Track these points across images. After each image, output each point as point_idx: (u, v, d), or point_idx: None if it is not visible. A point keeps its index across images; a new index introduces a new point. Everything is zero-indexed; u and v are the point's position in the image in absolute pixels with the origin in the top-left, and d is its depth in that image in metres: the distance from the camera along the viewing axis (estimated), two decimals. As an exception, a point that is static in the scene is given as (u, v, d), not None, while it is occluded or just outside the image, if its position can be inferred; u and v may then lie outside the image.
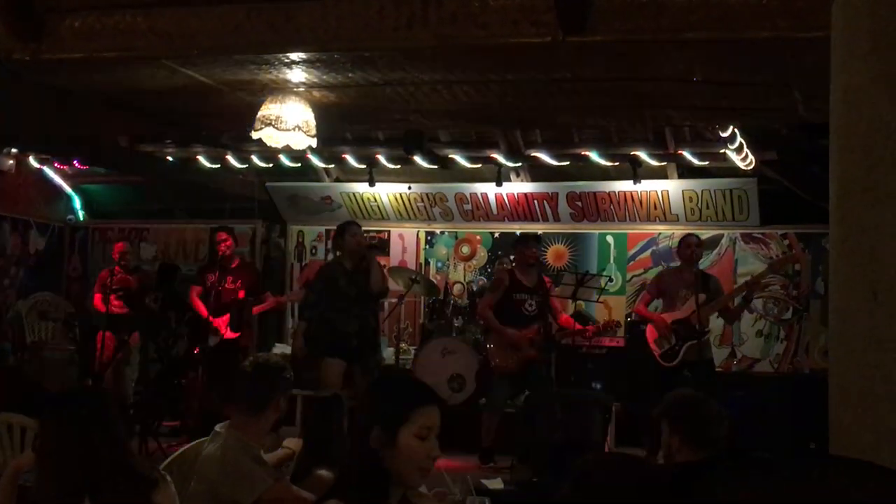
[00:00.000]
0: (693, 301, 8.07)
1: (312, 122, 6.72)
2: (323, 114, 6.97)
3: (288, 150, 7.43)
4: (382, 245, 11.09)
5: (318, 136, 6.99)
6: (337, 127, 8.34)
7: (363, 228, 8.81)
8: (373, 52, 5.86)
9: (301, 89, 6.63)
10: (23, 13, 6.04)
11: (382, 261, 9.95)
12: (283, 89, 6.64)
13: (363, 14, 5.60)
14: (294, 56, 5.98)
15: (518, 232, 10.59)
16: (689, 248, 8.36)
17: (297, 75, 6.37)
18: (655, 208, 10.51)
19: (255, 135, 6.75)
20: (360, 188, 11.21)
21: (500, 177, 10.55)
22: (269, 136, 6.62)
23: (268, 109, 6.61)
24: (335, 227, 8.44)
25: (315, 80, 6.45)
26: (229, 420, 4.14)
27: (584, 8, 5.27)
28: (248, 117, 7.25)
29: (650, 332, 8.40)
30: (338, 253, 8.55)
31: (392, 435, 2.60)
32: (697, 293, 8.06)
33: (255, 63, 6.20)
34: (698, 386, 7.95)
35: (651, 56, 5.69)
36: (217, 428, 4.11)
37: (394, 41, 5.62)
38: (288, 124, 6.56)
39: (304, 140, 6.71)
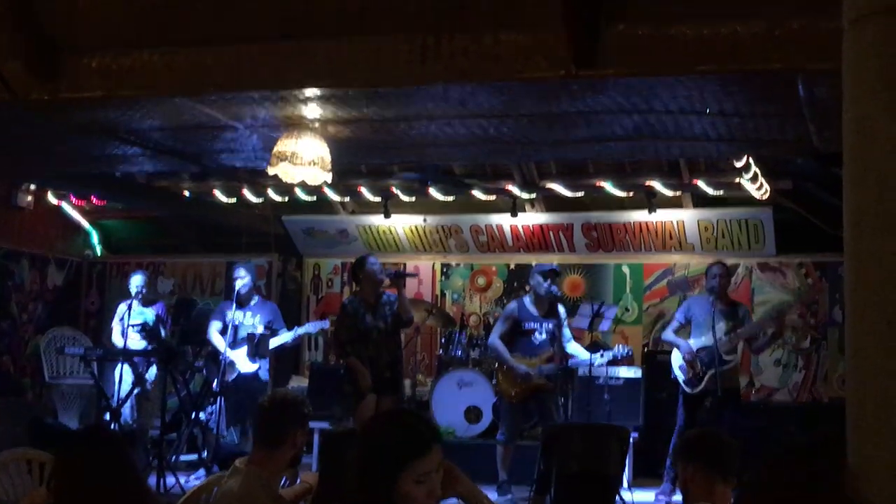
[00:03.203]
0: (719, 329, 8.09)
1: (328, 158, 6.77)
2: (338, 148, 7.02)
3: (304, 186, 7.48)
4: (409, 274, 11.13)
5: (334, 169, 7.03)
6: (352, 160, 8.39)
7: (380, 261, 8.84)
8: (387, 88, 5.90)
9: (316, 125, 6.68)
10: (41, 53, 6.11)
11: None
12: (298, 125, 6.69)
13: (377, 50, 5.64)
14: (309, 92, 6.02)
15: (534, 263, 10.59)
16: (715, 277, 8.34)
17: (312, 111, 6.42)
18: (671, 238, 10.52)
19: (271, 170, 6.79)
20: (376, 220, 11.26)
21: (514, 208, 10.59)
22: (284, 172, 6.67)
23: (283, 145, 6.66)
24: (352, 260, 8.47)
25: (330, 115, 6.49)
26: (248, 455, 4.14)
27: (596, 42, 5.30)
28: (263, 152, 7.34)
29: (675, 357, 8.41)
30: (356, 288, 8.55)
31: (391, 481, 2.62)
32: (724, 321, 8.10)
33: (270, 99, 6.25)
34: (720, 415, 7.97)
35: (663, 89, 5.71)
36: (237, 463, 4.12)
37: (407, 76, 5.65)
38: (304, 160, 6.60)
39: (319, 175, 6.76)
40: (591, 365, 8.54)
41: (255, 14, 5.73)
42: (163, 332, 9.55)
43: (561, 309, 8.51)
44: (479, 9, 5.40)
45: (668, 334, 8.61)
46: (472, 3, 5.39)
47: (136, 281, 10.18)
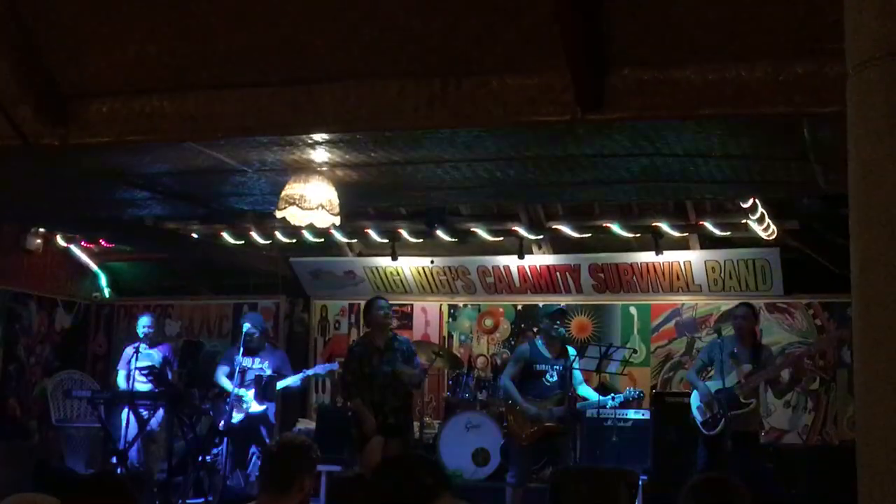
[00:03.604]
0: (741, 371, 8.09)
1: (336, 201, 6.80)
2: (345, 191, 7.05)
3: (311, 228, 7.51)
4: (405, 319, 11.14)
5: (341, 212, 7.06)
6: (359, 203, 8.43)
7: (389, 301, 8.86)
8: (394, 132, 5.93)
9: (324, 168, 6.71)
10: (50, 98, 6.16)
11: (405, 334, 9.98)
12: (306, 169, 6.72)
13: (384, 95, 5.68)
14: (317, 137, 6.06)
15: (541, 304, 10.59)
16: (736, 319, 8.47)
17: (320, 155, 6.46)
18: (678, 279, 10.51)
19: (279, 214, 6.82)
20: (383, 262, 11.28)
21: (521, 249, 10.62)
22: (293, 216, 6.70)
23: (291, 189, 6.70)
24: (359, 302, 8.47)
25: (338, 159, 6.53)
26: (255, 500, 4.13)
27: (601, 86, 5.33)
28: (271, 196, 7.38)
29: (693, 399, 8.38)
30: (366, 329, 8.61)
31: None
32: (747, 363, 8.12)
33: (278, 144, 6.29)
34: (737, 458, 7.91)
35: (669, 132, 5.73)
36: (245, 508, 4.10)
37: (414, 121, 5.68)
38: (311, 203, 6.63)
39: (327, 219, 6.79)
40: (603, 407, 8.53)
41: (263, 59, 5.78)
42: (169, 375, 9.56)
43: (571, 351, 8.51)
44: (485, 54, 5.44)
45: (692, 375, 8.62)
46: (479, 49, 5.43)
47: (144, 322, 10.19)
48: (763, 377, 8.22)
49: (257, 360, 9.38)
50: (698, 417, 8.28)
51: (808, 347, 8.83)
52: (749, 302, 8.88)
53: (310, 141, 6.17)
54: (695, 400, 8.36)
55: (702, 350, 9.02)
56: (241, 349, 9.30)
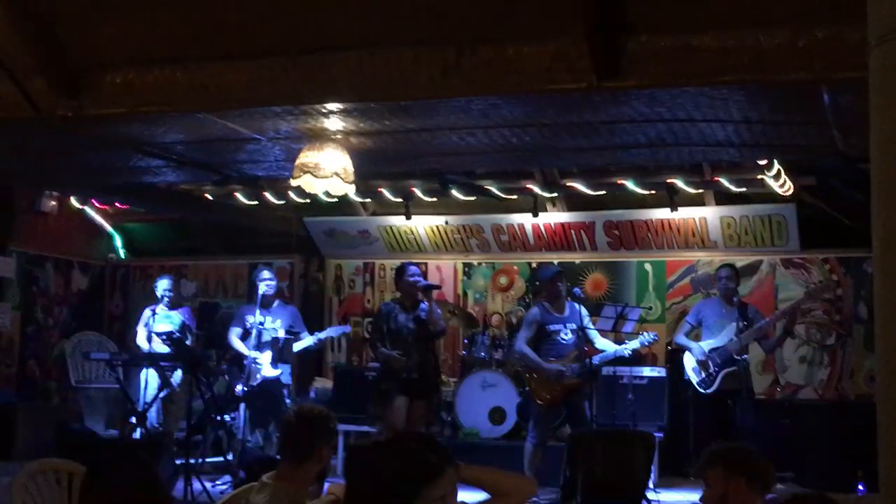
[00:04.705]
0: (731, 329, 8.22)
1: (350, 169, 6.78)
2: (360, 158, 7.02)
3: (326, 195, 7.51)
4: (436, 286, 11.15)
5: (356, 179, 7.04)
6: (374, 170, 8.41)
7: (405, 262, 8.93)
8: (408, 101, 5.89)
9: (338, 136, 6.68)
10: (64, 70, 6.14)
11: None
12: (320, 137, 6.69)
13: (398, 64, 5.63)
14: (331, 106, 6.02)
15: (556, 262, 10.57)
16: (721, 280, 8.62)
17: (334, 124, 6.42)
18: (693, 235, 10.48)
19: (294, 182, 6.81)
20: (397, 221, 11.27)
21: (536, 207, 10.59)
22: (308, 184, 6.68)
23: (306, 157, 6.67)
24: (373, 262, 8.43)
25: (352, 127, 6.49)
26: (275, 470, 4.16)
27: (618, 53, 5.28)
28: (286, 163, 7.36)
29: (688, 360, 8.51)
30: (397, 294, 8.71)
31: None
32: (735, 321, 8.21)
33: (292, 113, 6.25)
34: (741, 415, 8.01)
35: (686, 98, 5.67)
36: (264, 478, 4.12)
37: (429, 90, 5.65)
38: (326, 171, 6.61)
39: (342, 187, 6.77)
40: (621, 358, 8.57)
41: (276, 29, 5.74)
42: (189, 340, 9.61)
43: (583, 310, 8.49)
44: (500, 22, 5.39)
45: (681, 338, 8.76)
46: (494, 17, 5.38)
47: (164, 285, 10.23)
48: (755, 333, 8.34)
49: (269, 318, 9.38)
50: (694, 378, 8.43)
51: (798, 301, 8.86)
52: (728, 263, 9.19)
53: (324, 110, 6.13)
54: (689, 361, 8.49)
55: (688, 313, 9.11)
56: (258, 306, 9.26)
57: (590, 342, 8.46)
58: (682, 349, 8.70)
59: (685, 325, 8.82)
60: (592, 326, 8.57)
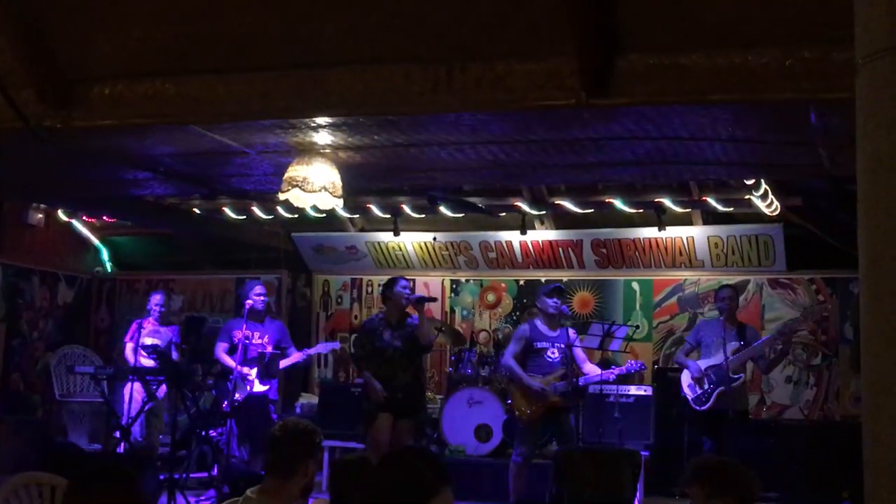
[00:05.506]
0: (728, 349, 8.25)
1: (339, 183, 6.77)
2: (348, 172, 7.02)
3: (314, 210, 7.50)
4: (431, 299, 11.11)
5: (344, 193, 7.04)
6: (362, 184, 8.41)
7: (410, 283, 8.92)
8: (399, 117, 5.90)
9: (327, 151, 6.67)
10: (53, 81, 6.12)
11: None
12: (309, 151, 6.69)
13: (389, 79, 5.63)
14: (320, 120, 6.02)
15: (543, 279, 10.60)
16: (723, 300, 8.64)
17: (323, 138, 6.41)
18: (681, 255, 10.52)
19: (282, 196, 6.79)
20: (385, 238, 11.28)
21: (524, 225, 10.62)
22: (296, 198, 6.67)
23: (294, 171, 6.66)
24: (361, 277, 8.41)
25: (341, 142, 6.48)
26: (260, 485, 4.14)
27: (608, 72, 5.30)
28: (274, 177, 7.35)
29: (684, 376, 8.57)
30: (382, 307, 8.63)
31: None
32: (733, 342, 8.30)
33: (281, 127, 6.24)
34: (732, 433, 8.04)
35: (675, 117, 5.70)
36: (248, 493, 4.12)
37: (419, 106, 5.64)
38: (315, 185, 6.60)
39: (330, 201, 6.76)
40: (606, 382, 8.58)
41: (268, 43, 5.73)
42: (174, 355, 9.57)
43: (571, 332, 8.50)
44: (492, 40, 5.39)
45: (680, 356, 8.86)
46: (486, 35, 5.38)
47: (156, 300, 10.20)
48: (750, 353, 8.41)
49: (256, 333, 9.36)
50: (689, 394, 8.48)
51: (793, 322, 8.96)
52: (729, 284, 9.32)
53: (313, 124, 6.12)
54: (685, 378, 8.56)
55: (689, 334, 9.24)
56: (245, 320, 9.24)
57: (576, 365, 8.47)
58: (674, 367, 8.79)
59: (685, 345, 8.93)
60: (581, 349, 8.58)
